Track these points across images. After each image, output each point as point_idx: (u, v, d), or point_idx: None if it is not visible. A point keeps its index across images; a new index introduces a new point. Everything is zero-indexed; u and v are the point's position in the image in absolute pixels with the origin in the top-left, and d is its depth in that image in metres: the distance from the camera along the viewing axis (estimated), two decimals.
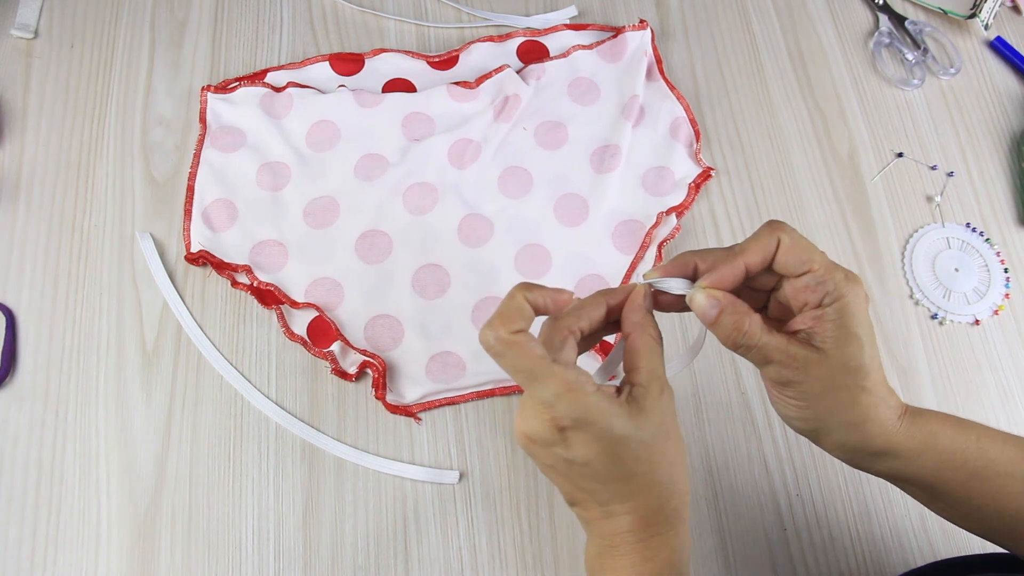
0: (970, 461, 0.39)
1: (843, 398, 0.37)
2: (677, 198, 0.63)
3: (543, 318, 0.38)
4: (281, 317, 0.58)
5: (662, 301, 0.39)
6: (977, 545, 0.55)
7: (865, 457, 0.39)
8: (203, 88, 0.64)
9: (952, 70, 0.71)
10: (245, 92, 0.64)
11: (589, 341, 0.39)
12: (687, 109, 0.66)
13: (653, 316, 0.38)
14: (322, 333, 0.57)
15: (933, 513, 0.54)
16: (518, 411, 0.37)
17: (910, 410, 0.39)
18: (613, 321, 0.39)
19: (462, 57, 0.68)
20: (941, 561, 0.51)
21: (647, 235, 0.61)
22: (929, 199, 0.66)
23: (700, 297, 0.37)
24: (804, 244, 0.37)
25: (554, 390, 0.34)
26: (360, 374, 0.57)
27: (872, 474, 0.40)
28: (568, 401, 0.34)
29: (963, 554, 0.54)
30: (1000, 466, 0.39)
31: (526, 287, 0.37)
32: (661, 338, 0.38)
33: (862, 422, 0.37)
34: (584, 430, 0.34)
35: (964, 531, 0.55)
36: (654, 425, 0.35)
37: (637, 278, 0.61)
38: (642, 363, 0.37)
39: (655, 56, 0.68)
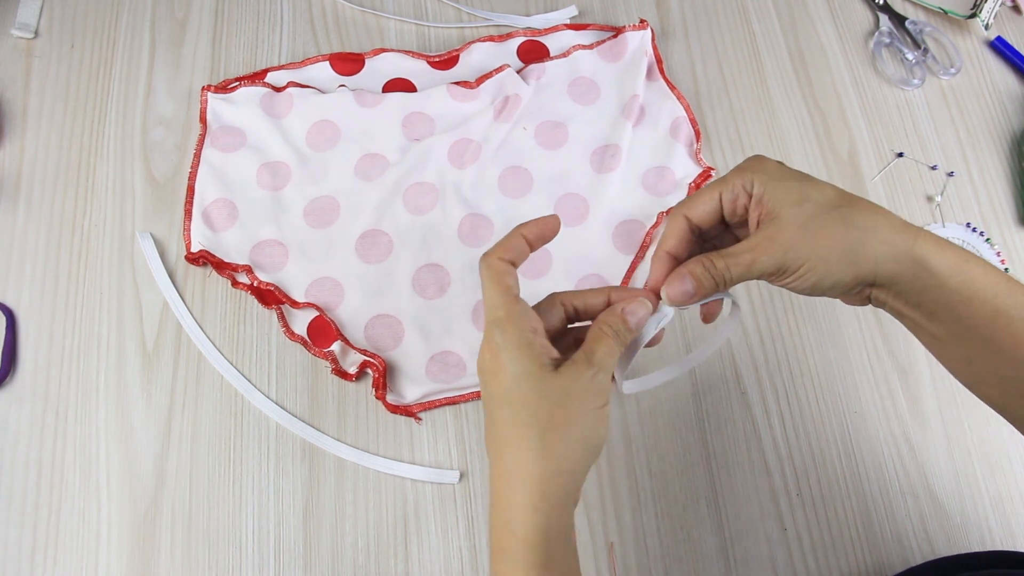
0: (1000, 297, 0.38)
1: (834, 232, 0.38)
2: (677, 198, 0.63)
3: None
4: (281, 317, 0.58)
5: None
6: (977, 545, 0.55)
7: (895, 272, 0.39)
8: (203, 88, 0.64)
9: (952, 70, 0.71)
10: (245, 92, 0.64)
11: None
12: (687, 109, 0.66)
13: (621, 318, 0.40)
14: (322, 333, 0.57)
15: (933, 513, 0.54)
16: (480, 352, 0.40)
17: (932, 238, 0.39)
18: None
19: (462, 57, 0.68)
20: (939, 559, 0.51)
21: (647, 235, 0.61)
22: (929, 199, 0.66)
23: (670, 293, 0.40)
24: (702, 199, 0.41)
25: (500, 315, 0.38)
26: (360, 374, 0.57)
27: (901, 311, 0.40)
28: (503, 328, 0.38)
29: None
30: None
31: (523, 225, 0.41)
32: (623, 333, 0.40)
33: (868, 236, 0.38)
34: (496, 361, 0.38)
35: (964, 532, 0.55)
36: (555, 387, 0.37)
37: (635, 279, 0.61)
38: (586, 344, 0.39)
39: (655, 56, 0.68)
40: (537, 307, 0.41)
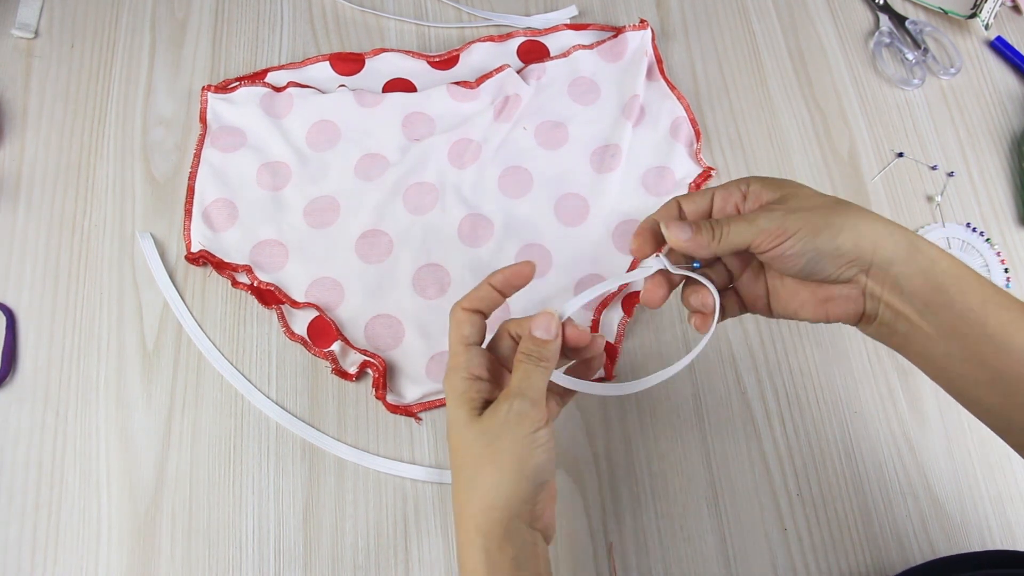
0: (987, 288, 0.39)
1: (829, 207, 0.40)
2: None
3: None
4: (281, 317, 0.58)
5: (674, 279, 0.45)
6: (977, 545, 0.55)
7: (892, 252, 0.39)
8: (203, 88, 0.64)
9: (952, 70, 0.71)
10: (245, 92, 0.64)
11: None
12: (687, 109, 0.66)
13: (531, 338, 0.41)
14: (322, 333, 0.57)
15: (933, 513, 0.54)
16: None
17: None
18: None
19: (462, 57, 0.68)
20: (938, 559, 0.51)
21: None
22: (929, 199, 0.66)
23: (671, 233, 0.42)
24: (697, 195, 0.44)
25: (450, 364, 0.42)
26: (360, 374, 0.57)
27: (896, 307, 0.40)
28: (448, 378, 0.42)
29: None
30: (991, 325, 0.39)
31: (492, 275, 0.43)
32: (536, 352, 0.41)
33: (865, 216, 0.40)
34: (448, 406, 0.42)
35: (964, 532, 0.55)
36: (478, 430, 0.40)
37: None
38: (509, 380, 0.41)
39: (655, 56, 0.68)
40: (491, 344, 0.44)
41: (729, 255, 0.44)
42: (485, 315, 0.43)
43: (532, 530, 0.40)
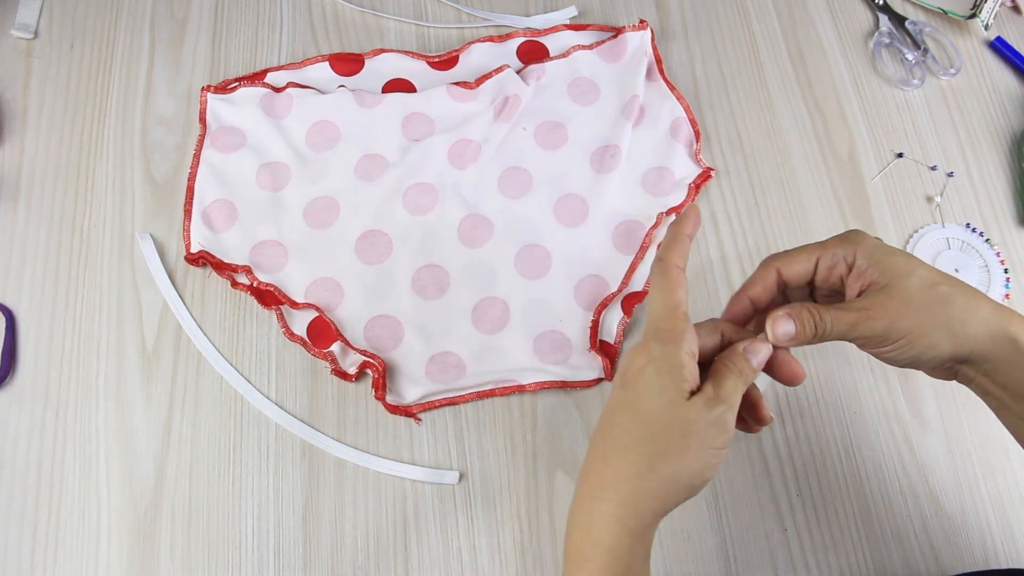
0: None
1: (936, 304, 0.39)
2: (677, 198, 0.63)
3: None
4: (281, 317, 0.58)
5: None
6: (977, 546, 0.55)
7: (990, 351, 0.40)
8: (203, 88, 0.64)
9: (952, 70, 0.71)
10: (245, 92, 0.64)
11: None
12: (687, 109, 0.66)
13: (747, 360, 0.41)
14: (322, 333, 0.57)
15: (933, 513, 0.54)
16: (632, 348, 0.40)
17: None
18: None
19: (462, 57, 0.68)
20: None
21: (647, 235, 0.61)
22: (929, 199, 0.66)
23: (776, 333, 0.41)
24: (798, 258, 0.42)
25: (665, 327, 0.38)
26: (360, 374, 0.57)
27: (988, 389, 0.41)
28: (664, 343, 0.38)
29: (963, 556, 0.54)
30: None
31: (680, 224, 0.41)
32: (748, 375, 0.40)
33: (968, 316, 0.39)
34: (648, 370, 0.38)
35: (964, 532, 0.55)
36: (681, 416, 0.38)
37: (634, 281, 0.61)
38: (714, 379, 0.39)
39: (655, 56, 0.68)
40: (698, 328, 0.41)
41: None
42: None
43: None
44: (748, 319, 0.44)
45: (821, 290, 0.44)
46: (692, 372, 0.38)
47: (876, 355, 0.41)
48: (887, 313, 0.39)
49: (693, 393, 0.38)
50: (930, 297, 0.40)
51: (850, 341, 0.41)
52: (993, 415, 0.43)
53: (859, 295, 0.41)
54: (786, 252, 0.43)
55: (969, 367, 0.41)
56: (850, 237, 0.42)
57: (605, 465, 0.39)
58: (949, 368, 0.42)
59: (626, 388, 0.39)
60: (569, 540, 0.40)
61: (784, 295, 0.44)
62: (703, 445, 0.38)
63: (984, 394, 0.42)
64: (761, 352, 0.41)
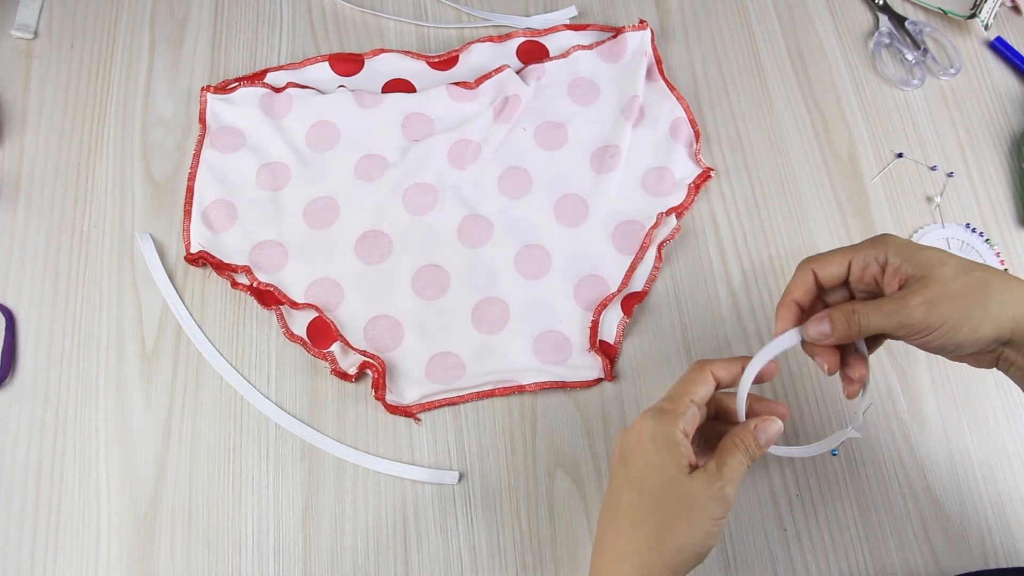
0: None
1: (972, 289, 0.40)
2: (677, 198, 0.63)
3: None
4: (281, 317, 0.58)
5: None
6: (977, 549, 0.55)
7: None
8: (203, 88, 0.64)
9: (952, 70, 0.71)
10: (245, 92, 0.64)
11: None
12: (687, 109, 0.66)
13: (756, 438, 0.44)
14: (322, 333, 0.57)
15: (933, 513, 0.54)
16: (625, 430, 0.45)
17: None
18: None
19: (462, 57, 0.68)
20: None
21: (647, 236, 0.61)
22: (929, 199, 0.66)
23: (809, 331, 0.44)
24: (832, 261, 0.44)
25: (667, 407, 0.43)
26: (360, 375, 0.57)
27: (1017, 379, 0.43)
28: (662, 419, 0.42)
29: (962, 556, 0.54)
30: None
31: (747, 360, 0.45)
32: (755, 454, 0.43)
33: (1007, 298, 0.40)
34: (642, 442, 0.42)
35: (964, 532, 0.55)
36: (685, 491, 0.41)
37: (634, 281, 0.61)
38: (719, 456, 0.42)
39: (655, 56, 0.68)
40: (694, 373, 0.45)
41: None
42: (719, 387, 0.45)
43: None
44: (799, 323, 0.45)
45: (858, 291, 0.45)
46: (687, 449, 0.42)
47: (922, 345, 0.42)
48: (925, 300, 0.40)
49: (693, 467, 0.42)
50: (966, 282, 0.40)
51: (894, 335, 0.42)
52: (992, 414, 0.43)
53: (899, 290, 0.42)
54: (820, 255, 0.44)
55: (1012, 350, 0.42)
56: (880, 240, 0.43)
57: (617, 540, 0.42)
58: (992, 353, 0.42)
59: (629, 465, 0.43)
60: None
61: (823, 299, 0.46)
62: (705, 517, 0.41)
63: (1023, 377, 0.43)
64: (771, 430, 0.43)
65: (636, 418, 0.44)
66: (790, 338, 0.44)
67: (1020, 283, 0.41)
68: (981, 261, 0.63)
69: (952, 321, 0.40)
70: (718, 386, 0.45)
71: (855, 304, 0.42)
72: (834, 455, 0.56)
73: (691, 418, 0.43)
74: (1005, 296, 0.40)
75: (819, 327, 0.43)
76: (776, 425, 0.44)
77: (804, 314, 0.45)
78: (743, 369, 0.44)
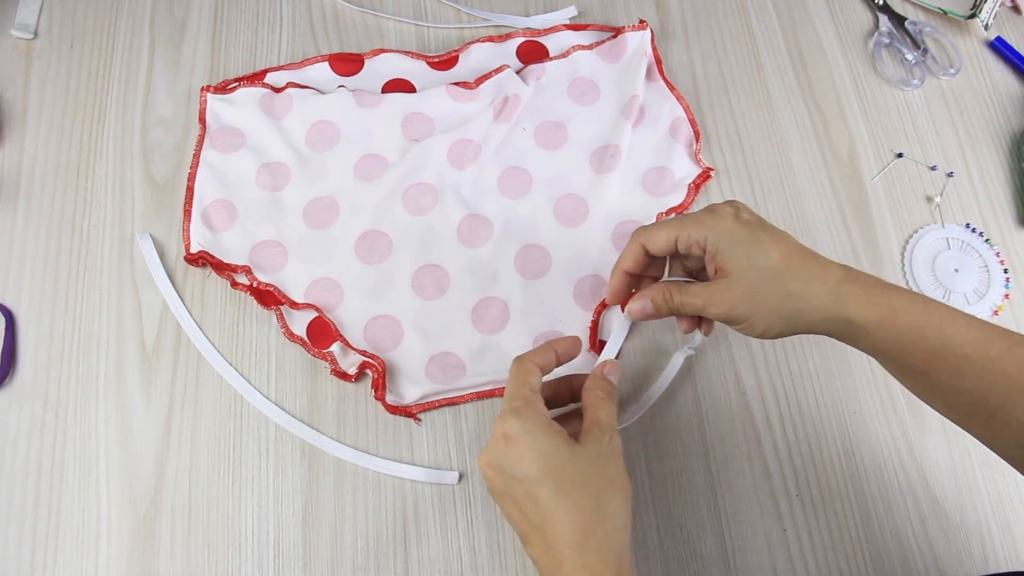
0: (929, 340, 0.42)
1: (771, 297, 0.44)
2: (677, 198, 0.63)
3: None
4: (281, 317, 0.58)
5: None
6: (977, 550, 0.55)
7: (829, 330, 0.45)
8: (203, 88, 0.64)
9: (952, 70, 0.71)
10: (245, 92, 0.64)
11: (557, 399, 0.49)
12: (687, 109, 0.66)
13: (606, 380, 0.47)
14: (322, 333, 0.57)
15: (933, 513, 0.54)
16: (482, 452, 0.44)
17: (869, 281, 0.44)
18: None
19: (462, 57, 0.68)
20: None
21: None
22: (929, 199, 0.66)
23: (631, 309, 0.50)
24: (660, 235, 0.48)
25: (517, 405, 0.43)
26: (360, 374, 0.57)
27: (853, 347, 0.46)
28: (522, 415, 0.42)
29: (962, 556, 0.54)
30: (959, 348, 0.42)
31: (555, 342, 0.48)
32: (613, 393, 0.47)
33: (802, 305, 0.44)
34: (520, 444, 0.42)
35: (964, 532, 0.55)
36: (586, 455, 0.42)
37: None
38: (588, 414, 0.45)
39: (655, 56, 0.68)
40: (533, 354, 0.47)
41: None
42: (543, 373, 0.47)
43: None
44: (630, 289, 0.51)
45: (686, 260, 0.50)
46: (559, 426, 0.43)
47: (739, 331, 0.47)
48: (725, 302, 0.45)
49: (574, 437, 0.43)
50: (766, 289, 0.45)
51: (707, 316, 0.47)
52: None
53: (715, 274, 0.46)
54: (651, 227, 0.49)
55: (844, 332, 0.45)
56: (706, 221, 0.46)
57: (550, 535, 0.41)
58: (830, 334, 0.46)
59: (516, 466, 0.42)
60: None
61: (652, 259, 0.50)
62: (617, 467, 0.43)
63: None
64: (616, 370, 0.48)
65: (489, 440, 0.44)
66: (622, 327, 0.53)
67: (823, 288, 0.44)
68: (981, 261, 0.63)
69: (750, 320, 0.45)
70: (542, 372, 0.46)
71: (671, 286, 0.48)
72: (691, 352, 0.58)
73: (542, 404, 0.44)
74: (802, 304, 0.44)
75: (642, 306, 0.49)
76: (615, 365, 0.48)
77: (635, 280, 0.51)
78: (554, 353, 0.47)
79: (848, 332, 0.44)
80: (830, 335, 0.45)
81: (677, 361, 0.57)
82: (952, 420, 0.45)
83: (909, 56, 0.70)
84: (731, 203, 0.48)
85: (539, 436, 0.42)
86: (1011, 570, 0.54)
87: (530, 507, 0.41)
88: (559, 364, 0.47)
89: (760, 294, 0.45)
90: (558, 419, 0.45)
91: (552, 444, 0.42)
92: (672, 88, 0.67)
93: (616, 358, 0.52)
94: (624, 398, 0.58)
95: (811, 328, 0.45)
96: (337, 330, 0.57)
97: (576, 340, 0.48)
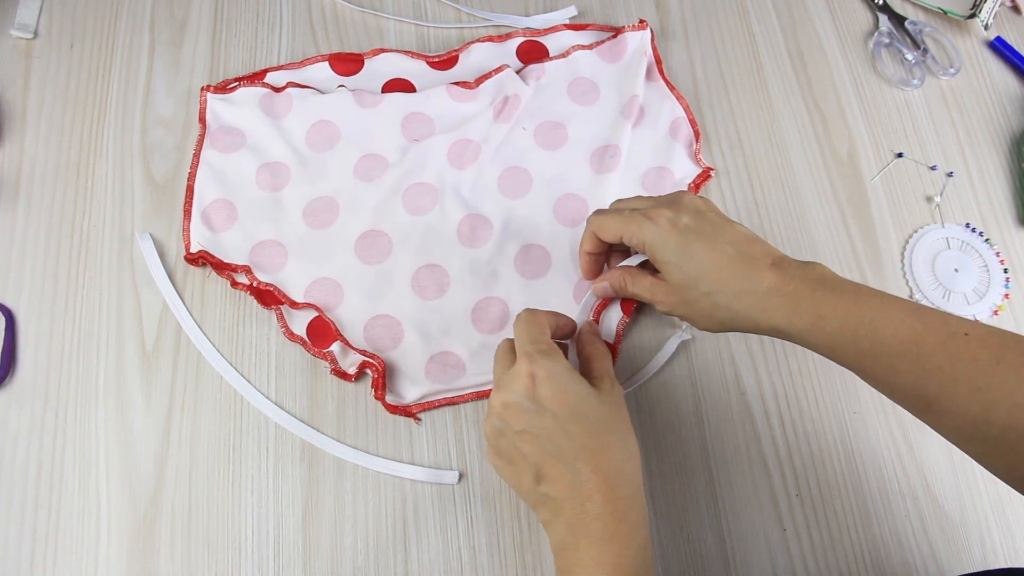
0: (860, 341, 0.43)
1: (702, 305, 0.48)
2: None
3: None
4: (281, 317, 0.58)
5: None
6: (977, 549, 0.55)
7: (765, 334, 0.47)
8: (203, 88, 0.64)
9: (952, 70, 0.71)
10: (244, 92, 0.64)
11: None
12: (687, 109, 0.66)
13: (599, 335, 0.53)
14: (322, 333, 0.57)
15: (933, 513, 0.54)
16: (493, 392, 0.46)
17: (799, 289, 0.45)
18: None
19: (462, 57, 0.68)
20: None
21: None
22: (929, 199, 0.66)
23: (595, 289, 0.56)
24: (609, 229, 0.52)
25: (544, 348, 0.45)
26: (360, 374, 0.57)
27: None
28: (554, 358, 0.45)
29: (961, 556, 0.54)
30: (891, 347, 0.42)
31: (557, 315, 0.51)
32: (607, 351, 0.51)
33: (731, 315, 0.47)
34: (552, 382, 0.44)
35: (964, 532, 0.55)
36: (609, 401, 0.45)
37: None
38: (594, 364, 0.49)
39: (655, 56, 0.68)
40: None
41: None
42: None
43: None
44: (600, 265, 0.57)
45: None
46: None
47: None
48: (667, 303, 0.51)
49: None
50: (697, 298, 0.48)
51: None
52: None
53: (658, 273, 0.51)
54: (603, 216, 0.52)
55: (779, 336, 0.47)
56: (645, 226, 0.49)
57: (608, 465, 0.43)
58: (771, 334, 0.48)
59: (553, 400, 0.43)
60: (588, 528, 0.43)
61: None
62: (626, 412, 0.46)
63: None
64: (602, 327, 0.55)
65: (503, 381, 0.45)
66: (589, 299, 0.57)
67: (750, 297, 0.46)
68: (981, 261, 0.63)
69: (689, 319, 0.50)
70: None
71: (627, 275, 0.53)
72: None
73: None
74: (732, 316, 0.47)
75: (603, 289, 0.55)
76: (598, 326, 0.55)
77: (603, 257, 0.56)
78: (555, 323, 0.50)
79: (783, 336, 0.46)
80: (770, 336, 0.47)
81: (671, 345, 0.58)
82: (908, 410, 0.46)
83: (909, 56, 0.70)
84: (676, 204, 0.50)
85: (572, 377, 0.44)
86: (1009, 566, 0.54)
87: (562, 442, 0.43)
88: (553, 337, 0.49)
89: (692, 302, 0.48)
90: None
91: (584, 386, 0.44)
92: (672, 88, 0.67)
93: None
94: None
95: (748, 331, 0.48)
96: (337, 330, 0.57)
97: (572, 322, 0.52)
